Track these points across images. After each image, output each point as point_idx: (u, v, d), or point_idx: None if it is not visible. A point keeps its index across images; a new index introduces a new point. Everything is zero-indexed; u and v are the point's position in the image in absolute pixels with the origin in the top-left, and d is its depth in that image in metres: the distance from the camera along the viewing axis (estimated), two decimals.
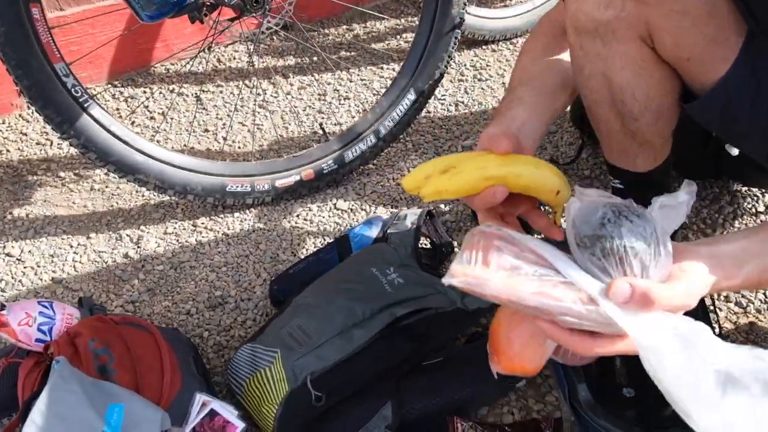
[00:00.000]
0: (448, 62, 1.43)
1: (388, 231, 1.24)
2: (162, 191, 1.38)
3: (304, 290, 1.14)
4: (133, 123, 1.76)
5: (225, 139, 1.70)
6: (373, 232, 1.28)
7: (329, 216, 1.46)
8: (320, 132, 1.65)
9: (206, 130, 1.74)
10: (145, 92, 1.87)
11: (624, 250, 0.66)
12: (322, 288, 1.12)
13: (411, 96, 1.46)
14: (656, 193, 1.20)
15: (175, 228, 1.45)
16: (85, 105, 1.28)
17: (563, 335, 0.67)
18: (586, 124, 1.56)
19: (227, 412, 0.98)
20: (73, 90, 1.26)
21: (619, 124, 1.01)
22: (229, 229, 1.44)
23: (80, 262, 1.39)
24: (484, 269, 0.67)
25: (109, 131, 1.31)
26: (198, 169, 1.40)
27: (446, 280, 0.67)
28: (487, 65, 1.91)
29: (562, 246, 0.70)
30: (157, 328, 1.05)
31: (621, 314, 0.64)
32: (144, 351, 0.99)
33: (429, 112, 1.74)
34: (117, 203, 1.53)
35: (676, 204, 0.73)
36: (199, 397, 0.98)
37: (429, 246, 1.32)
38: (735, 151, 1.26)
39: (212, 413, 0.97)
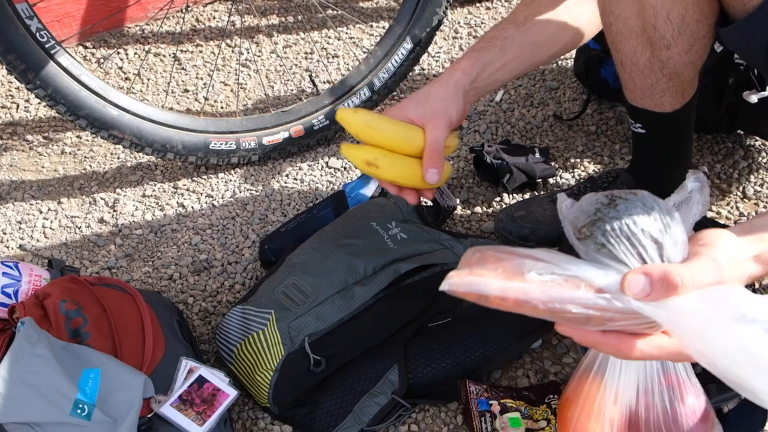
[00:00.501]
0: (447, 7, 1.33)
1: None
2: (139, 149, 1.27)
3: (297, 248, 1.04)
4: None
5: (206, 99, 1.59)
6: (371, 187, 1.18)
7: (321, 175, 1.36)
8: (309, 86, 1.54)
9: (186, 90, 1.62)
10: (118, 53, 1.74)
11: (628, 229, 0.57)
12: (318, 244, 1.03)
13: (407, 45, 1.36)
14: (679, 139, 1.12)
15: (154, 190, 1.34)
16: (52, 52, 1.16)
17: (595, 337, 0.57)
18: (590, 78, 1.48)
19: (217, 378, 0.88)
20: (38, 35, 1.14)
21: (648, 56, 0.92)
22: (213, 191, 1.33)
23: (51, 228, 1.28)
24: (484, 269, 0.58)
25: (79, 81, 1.19)
26: (179, 125, 1.29)
27: (444, 287, 0.58)
28: (482, 23, 1.81)
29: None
30: (137, 290, 0.94)
31: (644, 305, 0.54)
32: (123, 313, 0.89)
33: (423, 69, 1.64)
34: (90, 166, 1.41)
35: (686, 195, 0.66)
36: (186, 363, 0.88)
37: (431, 204, 1.23)
38: (754, 99, 1.19)
39: (200, 380, 0.87)
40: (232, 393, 0.88)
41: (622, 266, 0.57)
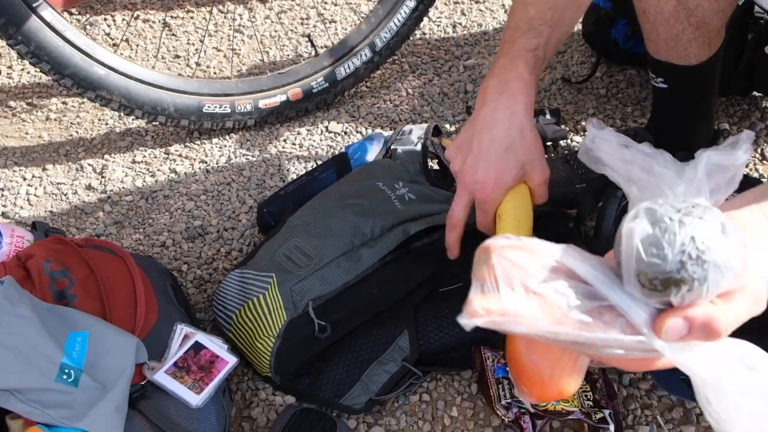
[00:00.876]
0: None
1: (392, 146, 1.08)
2: (128, 112, 1.20)
3: (299, 210, 0.97)
4: None
5: (198, 64, 1.52)
6: (375, 149, 1.12)
7: (321, 139, 1.29)
8: (307, 49, 1.47)
9: (177, 56, 1.55)
10: (105, 19, 1.66)
11: (706, 290, 0.44)
12: (320, 205, 0.96)
13: (410, 3, 1.30)
14: (704, 92, 1.06)
15: (144, 156, 1.27)
16: (35, 5, 1.08)
17: (613, 360, 0.48)
18: (600, 38, 1.42)
19: (215, 345, 0.82)
20: None
21: (674, 3, 0.87)
22: (207, 156, 1.27)
23: (35, 195, 1.21)
24: (509, 297, 0.45)
25: (63, 38, 1.12)
26: (170, 87, 1.22)
27: (465, 321, 0.45)
28: None
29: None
30: (128, 253, 0.88)
31: (672, 349, 0.45)
32: (113, 276, 0.82)
33: (424, 33, 1.57)
34: (77, 132, 1.34)
35: (734, 165, 0.54)
36: (181, 328, 0.82)
37: (437, 168, 1.17)
38: None
39: (197, 347, 0.81)
40: (231, 360, 0.82)
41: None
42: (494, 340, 0.90)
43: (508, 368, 0.59)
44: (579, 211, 1.03)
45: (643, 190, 0.56)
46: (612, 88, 1.38)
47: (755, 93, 1.30)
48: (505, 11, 1.62)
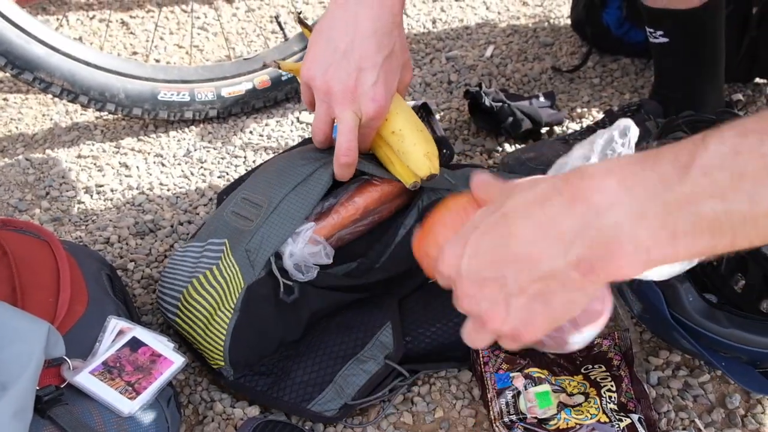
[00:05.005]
0: None
1: None
2: (72, 97, 1.06)
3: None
4: None
5: (158, 61, 1.39)
6: None
7: (291, 130, 1.16)
8: (276, 30, 1.35)
9: (134, 53, 1.42)
10: (58, 19, 1.54)
11: None
12: (267, 168, 0.81)
13: None
14: (710, 44, 0.94)
15: (92, 150, 1.13)
16: None
17: None
18: (591, 25, 1.32)
19: (157, 342, 0.67)
20: None
21: None
22: (163, 149, 1.13)
23: None
24: None
25: None
26: (121, 71, 1.09)
27: None
28: None
29: None
30: (56, 237, 0.73)
31: None
32: (32, 260, 0.67)
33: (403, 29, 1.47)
34: (17, 128, 1.20)
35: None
36: (115, 322, 0.67)
37: None
38: None
39: (135, 344, 0.66)
40: (177, 360, 0.66)
41: None
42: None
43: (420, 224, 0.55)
44: None
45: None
46: (606, 77, 1.28)
47: (758, 80, 1.21)
48: (487, 8, 1.54)
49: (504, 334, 0.44)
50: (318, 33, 0.69)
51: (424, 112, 1.00)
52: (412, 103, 0.99)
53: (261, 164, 0.91)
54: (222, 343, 0.69)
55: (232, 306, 0.69)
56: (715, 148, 0.35)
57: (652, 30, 0.89)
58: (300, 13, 1.39)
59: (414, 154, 0.71)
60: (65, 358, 0.59)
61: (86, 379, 0.60)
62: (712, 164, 0.35)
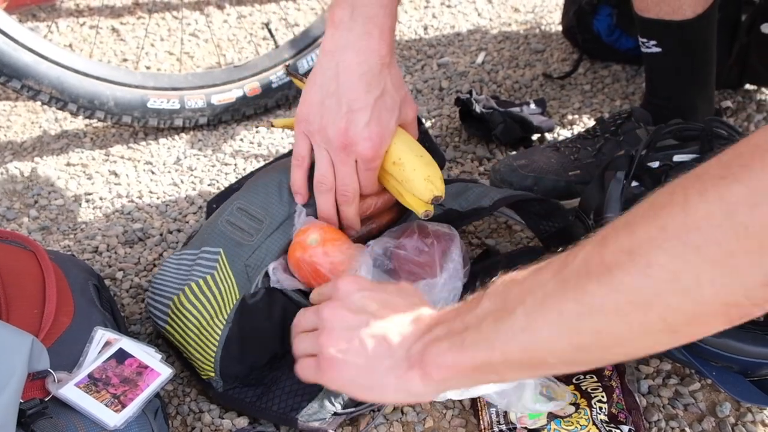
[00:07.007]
0: None
1: None
2: (61, 105, 1.06)
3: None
4: None
5: (148, 68, 1.39)
6: None
7: (282, 138, 1.16)
8: (267, 37, 1.35)
9: (125, 60, 1.42)
10: (48, 26, 1.53)
11: None
12: (264, 178, 0.81)
13: None
14: (703, 55, 0.95)
15: (81, 158, 1.12)
16: None
17: None
18: (581, 32, 1.33)
19: (145, 353, 0.66)
20: None
21: None
22: (153, 157, 1.12)
23: None
24: None
25: None
26: (110, 78, 1.09)
27: None
28: None
29: None
30: (42, 248, 0.72)
31: None
32: (16, 271, 0.67)
33: (395, 35, 1.47)
34: (5, 136, 1.19)
35: None
36: (102, 334, 0.66)
37: None
38: None
39: (121, 355, 0.65)
40: (164, 372, 0.66)
41: None
42: None
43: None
44: (581, 202, 0.90)
45: None
46: (597, 84, 1.28)
47: (747, 86, 1.22)
48: (479, 14, 1.54)
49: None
50: (311, 82, 0.70)
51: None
52: None
53: (253, 172, 0.91)
54: (213, 354, 0.68)
55: (225, 317, 0.69)
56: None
57: (644, 40, 0.89)
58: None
59: (415, 181, 0.71)
60: (50, 370, 0.58)
61: (71, 391, 0.59)
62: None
